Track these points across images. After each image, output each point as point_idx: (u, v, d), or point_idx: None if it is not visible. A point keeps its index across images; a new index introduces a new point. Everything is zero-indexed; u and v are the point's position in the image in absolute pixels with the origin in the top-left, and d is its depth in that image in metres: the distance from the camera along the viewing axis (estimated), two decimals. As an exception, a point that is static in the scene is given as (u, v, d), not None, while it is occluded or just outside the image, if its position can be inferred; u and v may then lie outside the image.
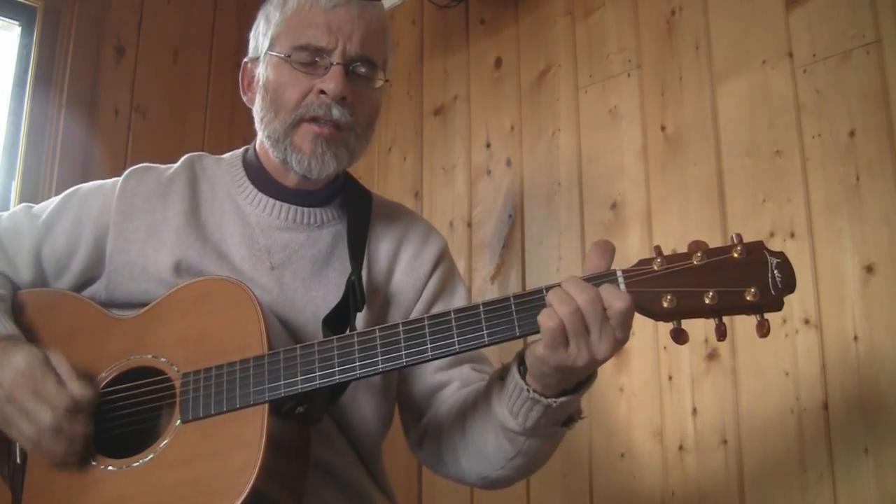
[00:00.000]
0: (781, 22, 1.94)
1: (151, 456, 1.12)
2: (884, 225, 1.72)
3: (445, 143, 2.63)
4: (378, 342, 1.10)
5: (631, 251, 2.07)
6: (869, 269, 1.72)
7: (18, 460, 1.17)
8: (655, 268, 1.03)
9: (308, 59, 1.29)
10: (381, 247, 1.42)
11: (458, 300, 1.44)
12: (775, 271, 1.01)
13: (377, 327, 1.11)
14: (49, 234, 1.35)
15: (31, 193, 2.39)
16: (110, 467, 1.13)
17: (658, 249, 1.05)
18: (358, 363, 1.10)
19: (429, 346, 1.08)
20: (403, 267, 1.41)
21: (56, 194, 1.44)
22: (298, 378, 1.10)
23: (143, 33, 2.75)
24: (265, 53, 1.35)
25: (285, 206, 1.37)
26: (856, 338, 1.71)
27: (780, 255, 1.02)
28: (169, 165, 1.43)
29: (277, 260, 1.34)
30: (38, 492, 1.16)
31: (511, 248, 2.37)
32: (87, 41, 2.60)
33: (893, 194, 1.71)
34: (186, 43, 2.85)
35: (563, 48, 2.37)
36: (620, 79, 2.22)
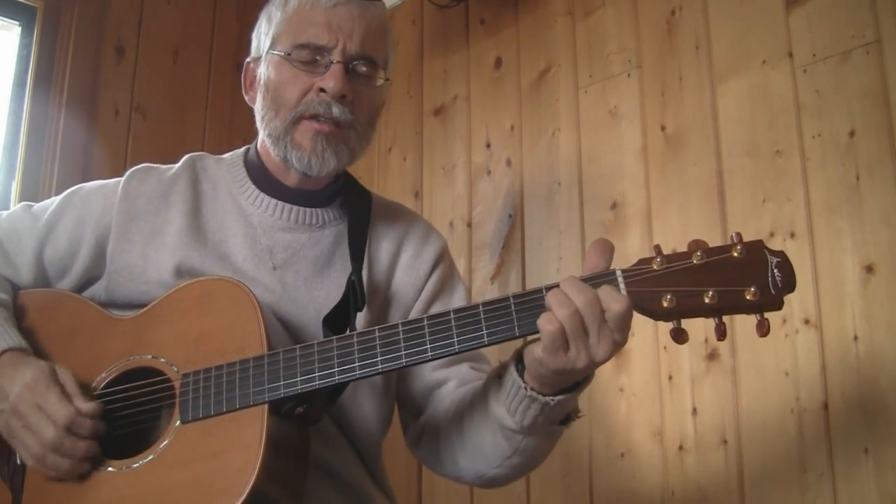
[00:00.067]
0: (781, 22, 1.94)
1: (151, 457, 1.12)
2: (884, 225, 1.72)
3: (445, 143, 2.63)
4: (377, 342, 1.10)
5: (631, 251, 2.07)
6: (869, 269, 1.72)
7: (18, 461, 1.17)
8: (655, 267, 1.03)
9: (308, 57, 1.30)
10: (382, 246, 1.42)
11: (457, 300, 1.44)
12: (775, 270, 1.00)
13: (377, 327, 1.11)
14: (51, 235, 1.35)
15: (31, 193, 2.39)
16: (110, 468, 1.13)
17: (658, 249, 1.04)
18: (357, 363, 1.10)
19: (428, 346, 1.08)
20: (404, 266, 1.42)
21: (56, 194, 1.44)
22: (298, 378, 1.10)
23: (143, 33, 2.75)
24: (266, 52, 1.35)
25: (287, 206, 1.37)
26: (856, 338, 1.71)
27: (780, 255, 1.01)
28: (170, 166, 1.43)
29: (280, 260, 1.34)
30: (37, 492, 1.15)
31: (511, 248, 2.37)
32: (87, 41, 2.60)
33: (893, 194, 1.71)
34: (186, 43, 2.85)
35: (563, 48, 2.37)
36: (620, 79, 2.22)
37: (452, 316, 1.08)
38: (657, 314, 1.03)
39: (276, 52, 1.32)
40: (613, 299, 1.00)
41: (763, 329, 1.01)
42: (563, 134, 2.32)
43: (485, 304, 1.07)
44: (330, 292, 1.33)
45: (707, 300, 1.00)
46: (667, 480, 1.94)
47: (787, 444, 1.77)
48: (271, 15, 1.37)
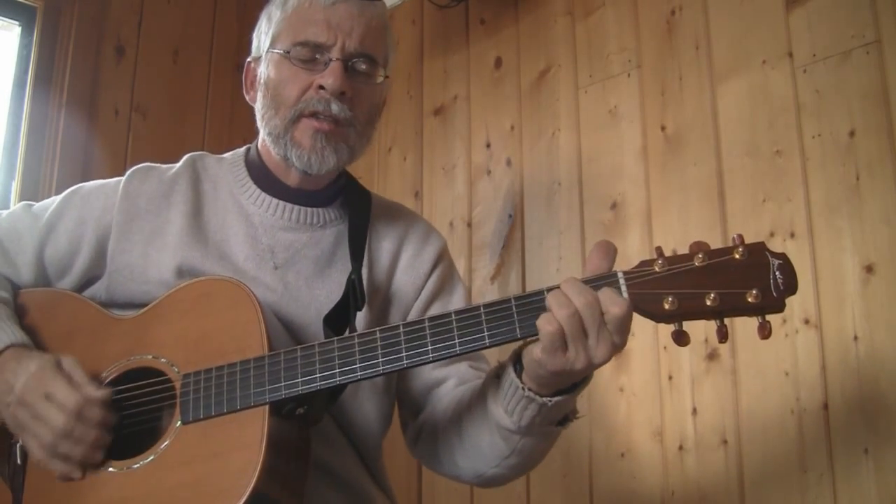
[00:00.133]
0: (781, 22, 1.94)
1: (152, 457, 1.12)
2: (884, 225, 1.72)
3: (445, 143, 2.63)
4: (379, 343, 1.10)
5: (631, 251, 2.07)
6: (869, 269, 1.72)
7: (19, 461, 1.17)
8: (657, 269, 1.03)
9: (308, 55, 1.30)
10: (383, 246, 1.42)
11: (456, 299, 1.44)
12: (777, 273, 1.00)
13: (378, 328, 1.11)
14: (51, 235, 1.35)
15: (31, 193, 2.38)
16: (111, 468, 1.13)
17: (659, 250, 1.04)
18: (359, 364, 1.10)
19: (430, 347, 1.08)
20: (404, 266, 1.42)
21: (56, 194, 1.44)
22: (299, 380, 1.10)
23: (143, 33, 2.74)
24: (266, 52, 1.35)
25: (288, 206, 1.37)
26: (856, 338, 1.72)
27: (782, 257, 1.01)
28: (170, 165, 1.43)
29: (281, 260, 1.34)
30: (38, 493, 1.15)
31: (511, 248, 2.37)
32: (87, 41, 2.60)
33: (893, 194, 1.71)
34: (186, 43, 2.85)
35: (563, 48, 2.37)
36: (620, 79, 2.22)
37: (454, 317, 1.08)
38: (659, 316, 1.03)
39: (275, 51, 1.33)
40: (613, 302, 1.00)
41: (765, 331, 1.01)
42: (563, 134, 2.32)
43: (486, 305, 1.07)
44: (331, 292, 1.33)
45: (709, 302, 1.00)
46: (667, 480, 1.94)
47: (787, 444, 1.77)
48: (271, 14, 1.37)
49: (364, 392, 1.33)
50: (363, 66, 1.32)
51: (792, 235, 1.83)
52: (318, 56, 1.30)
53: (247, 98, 1.41)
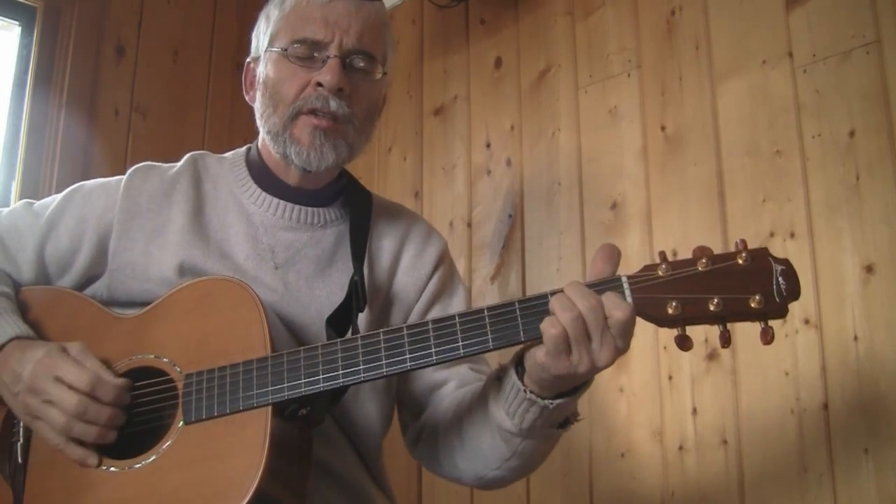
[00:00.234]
0: (781, 22, 1.94)
1: (154, 457, 1.12)
2: (884, 225, 1.72)
3: (445, 143, 2.63)
4: (382, 345, 1.10)
5: (631, 251, 2.07)
6: (869, 269, 1.72)
7: (20, 460, 1.17)
8: (660, 273, 1.03)
9: (306, 52, 1.30)
10: (384, 246, 1.42)
11: (457, 301, 1.44)
12: (780, 278, 1.00)
13: (381, 330, 1.11)
14: (52, 233, 1.35)
15: (31, 193, 2.38)
16: (112, 468, 1.13)
17: (663, 255, 1.05)
18: (362, 367, 1.09)
19: (433, 350, 1.08)
20: (405, 267, 1.42)
21: (56, 194, 1.44)
22: (302, 381, 1.10)
23: (143, 33, 2.74)
24: (265, 51, 1.36)
25: (289, 205, 1.38)
26: (856, 338, 1.72)
27: (785, 262, 1.02)
28: (172, 164, 1.43)
29: (281, 259, 1.34)
30: (39, 492, 1.15)
31: (511, 248, 2.37)
32: (87, 41, 2.60)
33: (893, 194, 1.71)
34: (186, 43, 2.85)
35: (563, 48, 2.37)
36: (620, 79, 2.23)
37: (458, 320, 1.08)
38: (662, 321, 1.03)
39: (274, 50, 1.33)
40: (616, 306, 1.01)
41: (767, 337, 1.01)
42: (563, 134, 2.32)
43: (489, 308, 1.07)
44: (332, 292, 1.33)
45: (712, 307, 1.00)
46: (667, 481, 1.94)
47: (788, 444, 1.77)
48: (269, 14, 1.37)
49: (365, 393, 1.33)
50: (361, 63, 1.32)
51: (792, 235, 1.83)
52: (315, 53, 1.30)
53: (247, 98, 1.42)
